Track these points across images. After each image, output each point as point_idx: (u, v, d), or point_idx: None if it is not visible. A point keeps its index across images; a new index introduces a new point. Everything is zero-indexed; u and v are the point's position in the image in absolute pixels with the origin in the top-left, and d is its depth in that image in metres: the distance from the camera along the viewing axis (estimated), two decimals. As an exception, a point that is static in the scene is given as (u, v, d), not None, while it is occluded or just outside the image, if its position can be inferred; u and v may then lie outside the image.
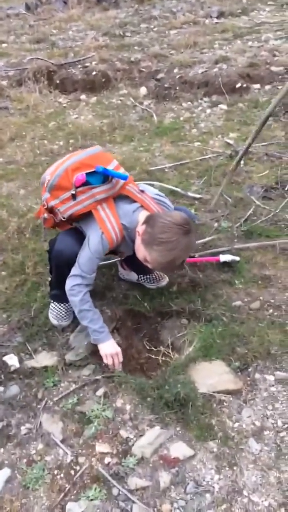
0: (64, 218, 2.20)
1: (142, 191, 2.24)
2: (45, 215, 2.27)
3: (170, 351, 2.26)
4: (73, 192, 2.11)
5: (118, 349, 2.18)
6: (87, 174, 2.09)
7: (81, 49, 6.57)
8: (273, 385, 2.04)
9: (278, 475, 1.73)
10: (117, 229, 2.11)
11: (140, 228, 2.08)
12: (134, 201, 2.19)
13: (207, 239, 2.85)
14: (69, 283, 2.16)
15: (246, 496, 1.68)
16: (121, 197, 2.19)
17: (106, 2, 9.59)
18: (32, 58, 6.24)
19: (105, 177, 2.11)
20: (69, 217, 2.19)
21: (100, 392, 2.10)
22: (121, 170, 2.20)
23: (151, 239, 2.00)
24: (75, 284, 2.15)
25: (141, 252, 2.09)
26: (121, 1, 9.59)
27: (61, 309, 2.43)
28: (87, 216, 2.16)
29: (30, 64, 6.00)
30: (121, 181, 2.16)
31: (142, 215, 2.15)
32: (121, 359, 2.18)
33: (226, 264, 2.67)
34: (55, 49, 6.73)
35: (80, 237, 2.21)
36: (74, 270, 2.15)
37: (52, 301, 2.46)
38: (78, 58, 6.16)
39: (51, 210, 2.24)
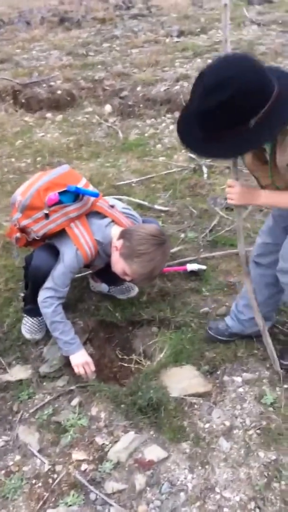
0: (38, 237, 2.26)
1: (112, 206, 2.34)
2: (18, 234, 2.33)
3: (142, 358, 2.34)
4: (46, 212, 2.18)
5: (89, 359, 2.23)
6: (59, 193, 2.17)
7: (45, 68, 6.66)
8: (240, 386, 2.14)
9: (248, 471, 1.82)
10: (91, 244, 2.20)
11: (118, 243, 2.17)
12: (105, 216, 2.28)
13: (174, 249, 2.96)
14: (42, 295, 2.22)
15: (219, 492, 1.76)
16: (92, 213, 2.27)
17: (69, 22, 9.74)
18: (-3, 78, 6.30)
19: (76, 195, 2.20)
20: (43, 235, 2.26)
21: (74, 402, 2.15)
22: (90, 188, 2.29)
23: (130, 252, 2.10)
24: (48, 297, 2.20)
25: (120, 266, 2.17)
26: (83, 21, 9.77)
27: (34, 323, 2.48)
28: (60, 233, 2.23)
29: (-6, 84, 6.05)
30: (92, 198, 2.25)
31: (115, 229, 2.25)
32: (93, 368, 2.23)
33: (193, 273, 2.78)
34: (20, 68, 6.80)
35: (55, 252, 2.27)
36: (48, 283, 2.21)
37: (25, 315, 2.50)
38: (43, 77, 6.25)
39: (23, 230, 2.30)
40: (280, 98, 1.45)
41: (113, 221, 2.29)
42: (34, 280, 2.31)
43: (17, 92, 5.86)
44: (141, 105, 5.31)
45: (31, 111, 5.65)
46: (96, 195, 2.24)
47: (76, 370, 2.21)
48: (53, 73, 6.37)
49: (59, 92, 5.78)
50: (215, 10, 9.06)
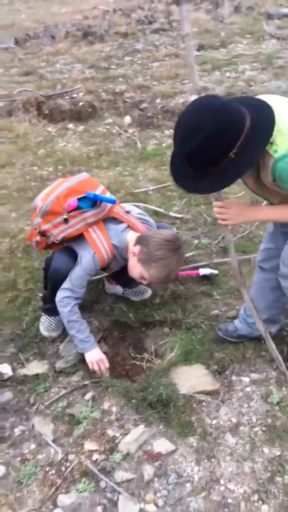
0: (57, 240, 2.39)
1: (128, 212, 2.46)
2: (38, 238, 2.46)
3: (153, 357, 2.43)
4: (66, 217, 2.30)
5: (103, 356, 2.34)
6: (78, 199, 2.29)
7: (68, 81, 6.88)
8: (248, 386, 2.21)
9: (252, 465, 1.89)
10: (108, 248, 2.31)
11: (135, 249, 2.28)
12: (122, 222, 2.40)
13: (188, 254, 3.05)
14: (60, 295, 2.33)
15: (223, 484, 1.83)
16: (109, 218, 2.39)
17: (92, 36, 10.01)
18: (22, 90, 6.53)
19: (94, 201, 2.32)
20: (62, 239, 2.38)
21: (88, 396, 2.25)
22: (107, 194, 2.41)
23: (148, 257, 2.21)
24: (65, 296, 2.32)
25: (138, 270, 2.28)
26: (106, 35, 10.02)
27: (52, 322, 2.59)
28: (78, 237, 2.35)
29: (19, 96, 6.28)
30: (109, 205, 2.37)
31: (130, 234, 2.37)
32: (107, 365, 2.33)
33: (205, 277, 2.87)
34: (44, 81, 7.04)
35: (73, 255, 2.39)
36: (66, 284, 2.33)
37: (44, 314, 2.62)
38: (66, 89, 6.46)
39: (43, 234, 2.43)
40: (253, 128, 1.59)
41: (129, 226, 2.41)
42: (53, 281, 2.43)
43: (41, 104, 6.07)
44: (159, 117, 5.45)
45: (54, 122, 5.84)
46: (113, 202, 2.36)
47: (90, 366, 2.31)
48: (75, 85, 6.58)
49: (81, 103, 5.97)
50: (236, 24, 9.22)
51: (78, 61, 8.11)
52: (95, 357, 2.32)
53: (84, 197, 2.30)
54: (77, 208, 2.30)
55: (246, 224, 2.05)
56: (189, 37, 1.76)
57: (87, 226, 2.33)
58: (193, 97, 1.84)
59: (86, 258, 2.31)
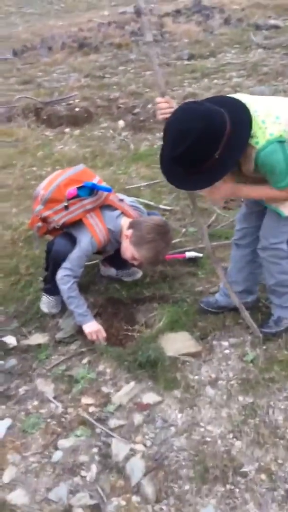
0: (58, 225, 2.66)
1: (121, 200, 2.75)
2: (39, 224, 2.74)
3: (143, 328, 2.70)
4: (66, 204, 2.58)
5: (100, 327, 2.60)
6: (77, 188, 2.57)
7: (65, 88, 7.21)
8: (226, 349, 2.49)
9: (229, 411, 2.15)
10: (104, 232, 2.59)
11: (128, 232, 2.55)
12: (116, 209, 2.68)
13: (176, 240, 3.34)
14: (61, 273, 2.59)
15: (203, 427, 2.10)
16: (105, 206, 2.67)
17: (87, 47, 10.38)
18: (21, 97, 6.86)
19: (92, 190, 2.60)
20: (62, 224, 2.65)
21: (85, 360, 2.52)
22: (103, 184, 2.70)
23: (139, 239, 2.49)
24: (65, 275, 2.58)
25: (130, 252, 2.56)
26: (101, 46, 10.39)
27: (52, 300, 2.86)
28: (77, 223, 2.63)
29: (18, 102, 6.61)
30: (105, 193, 2.65)
31: (124, 220, 2.65)
32: (104, 334, 2.59)
33: (191, 260, 3.16)
34: (42, 89, 7.37)
35: (73, 240, 2.65)
36: (65, 264, 2.58)
37: (44, 294, 2.88)
38: (63, 96, 6.79)
39: (44, 220, 2.70)
40: (233, 129, 1.84)
41: (122, 212, 2.69)
42: (54, 263, 2.69)
43: (39, 110, 6.40)
44: (151, 121, 5.77)
45: (52, 127, 6.16)
46: (109, 190, 2.64)
47: (89, 337, 2.57)
48: (72, 93, 6.91)
49: (77, 109, 6.30)
50: (225, 35, 9.60)
51: (74, 71, 8.46)
52: (93, 328, 2.57)
53: (82, 186, 2.57)
54: (77, 196, 2.57)
55: (229, 197, 2.28)
56: (151, 45, 2.00)
57: (85, 212, 2.60)
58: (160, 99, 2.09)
59: (85, 241, 2.58)
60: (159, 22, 11.91)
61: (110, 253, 2.85)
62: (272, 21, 10.01)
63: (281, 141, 1.88)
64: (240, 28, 9.95)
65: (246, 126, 1.87)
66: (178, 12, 12.67)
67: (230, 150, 1.85)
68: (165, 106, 1.98)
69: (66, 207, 2.58)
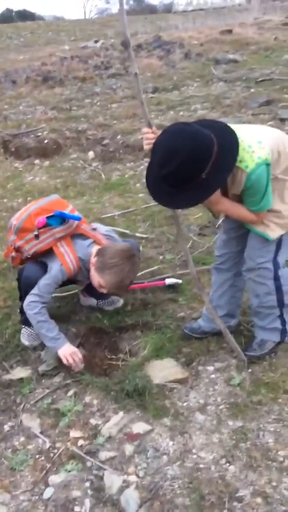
0: (29, 255, 2.66)
1: (94, 229, 2.76)
2: (13, 254, 2.74)
3: (128, 356, 2.69)
4: (36, 233, 2.59)
5: (75, 349, 2.56)
6: (47, 217, 2.59)
7: (32, 121, 7.28)
8: (212, 373, 2.50)
9: (219, 436, 2.16)
10: (73, 261, 2.59)
11: (93, 260, 2.56)
12: (88, 238, 2.69)
13: (154, 268, 3.38)
14: (28, 299, 2.56)
15: (195, 453, 2.09)
16: (77, 235, 2.69)
17: (52, 81, 10.55)
18: (-13, 130, 6.88)
19: (63, 219, 2.61)
20: (34, 253, 2.65)
21: (70, 392, 2.48)
22: (76, 213, 2.72)
23: (103, 265, 2.48)
24: (32, 301, 2.55)
25: (96, 278, 2.55)
26: (65, 80, 10.59)
27: (32, 332, 2.81)
28: (48, 252, 2.63)
29: (-15, 135, 6.62)
30: (76, 222, 2.67)
31: (95, 249, 2.65)
32: (80, 356, 2.54)
33: (171, 286, 3.19)
34: (9, 121, 7.41)
35: (43, 266, 2.65)
36: (34, 290, 2.56)
37: (23, 326, 2.84)
38: (31, 129, 6.84)
39: (18, 250, 2.70)
40: (220, 151, 1.91)
41: (94, 241, 2.70)
42: (25, 289, 2.67)
43: (7, 142, 6.41)
44: (121, 151, 5.89)
45: (20, 158, 6.18)
46: (78, 219, 2.66)
47: (65, 360, 2.50)
48: (40, 125, 6.97)
49: (46, 141, 6.35)
50: (186, 69, 9.98)
51: (40, 103, 8.56)
52: (68, 350, 2.52)
53: (52, 216, 2.59)
54: (46, 225, 2.59)
55: (208, 206, 2.31)
56: (138, 77, 2.02)
57: (55, 241, 2.60)
58: (146, 129, 2.15)
59: (55, 268, 2.57)
60: (121, 56, 12.28)
61: (85, 283, 2.85)
62: (231, 56, 10.49)
63: (267, 164, 1.97)
64: (200, 62, 10.38)
65: (233, 148, 1.94)
66: (139, 46, 13.10)
67: (217, 170, 1.91)
68: (152, 136, 2.03)
69: (37, 236, 2.59)
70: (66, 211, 2.66)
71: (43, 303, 2.56)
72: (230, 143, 1.94)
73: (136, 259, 2.55)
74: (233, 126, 2.05)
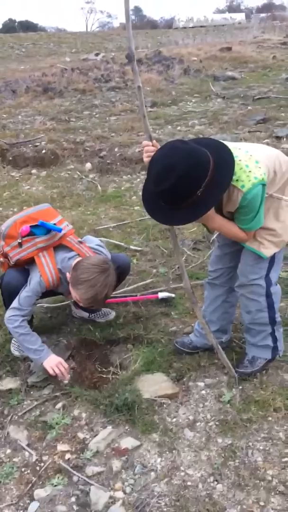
0: (13, 262, 2.62)
1: (81, 242, 2.71)
2: (1, 259, 2.73)
3: (118, 370, 2.67)
4: (19, 241, 2.57)
5: (60, 359, 2.52)
6: (32, 226, 2.57)
7: (30, 131, 7.31)
8: (203, 389, 2.49)
9: (208, 453, 2.14)
10: (53, 272, 2.56)
11: (68, 274, 2.51)
12: (72, 250, 2.66)
13: (147, 281, 3.38)
14: (8, 313, 2.54)
15: (183, 470, 2.07)
16: (61, 246, 2.66)
17: (52, 92, 10.63)
18: (-14, 138, 6.90)
19: (48, 230, 2.60)
20: (17, 261, 2.61)
21: (59, 405, 2.45)
22: (64, 224, 2.70)
23: (74, 280, 2.43)
24: (13, 315, 2.52)
25: (72, 293, 2.49)
26: (65, 91, 10.68)
27: (23, 342, 2.80)
28: (32, 261, 2.61)
29: (-17, 143, 6.63)
30: (61, 234, 2.63)
31: (75, 262, 2.57)
32: (66, 365, 2.52)
33: (163, 300, 3.19)
34: (7, 131, 7.44)
35: (24, 272, 2.63)
36: (14, 303, 2.53)
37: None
38: (29, 138, 6.86)
39: (5, 256, 2.68)
40: (216, 170, 1.92)
41: (78, 255, 2.65)
42: (6, 294, 2.67)
43: (5, 151, 6.43)
44: (118, 163, 5.92)
45: (18, 168, 6.20)
46: (59, 230, 2.62)
47: (51, 371, 2.47)
48: (38, 135, 7.00)
49: (43, 151, 6.38)
50: (185, 85, 10.10)
51: (39, 114, 8.61)
52: (54, 361, 2.49)
53: (37, 225, 2.58)
54: (30, 234, 2.57)
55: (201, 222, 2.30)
56: (141, 90, 2.03)
57: (38, 250, 2.58)
58: (146, 142, 2.17)
59: (34, 280, 2.55)
60: (121, 70, 12.41)
61: (67, 295, 2.78)
62: (229, 73, 10.64)
63: (263, 184, 1.98)
64: (199, 79, 10.51)
65: (229, 167, 1.95)
66: (139, 61, 13.24)
67: (213, 188, 1.91)
68: (152, 149, 2.03)
69: (20, 244, 2.58)
70: (54, 221, 2.63)
71: (23, 316, 2.53)
72: (226, 162, 1.95)
73: (109, 273, 2.44)
74: (230, 145, 2.07)
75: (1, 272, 2.86)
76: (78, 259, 2.59)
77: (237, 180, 1.98)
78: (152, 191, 1.96)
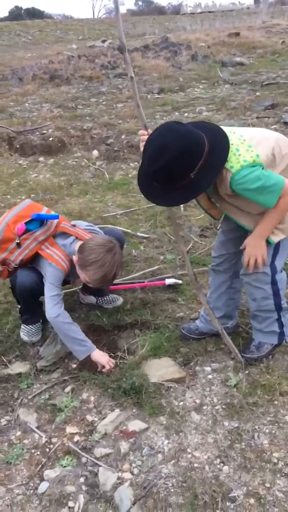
0: (16, 265, 2.61)
1: (74, 225, 2.73)
2: (0, 268, 2.67)
3: (126, 355, 2.70)
4: (18, 241, 2.56)
5: (105, 354, 2.58)
6: (26, 223, 2.57)
7: (37, 118, 7.30)
8: (209, 374, 2.52)
9: (215, 436, 2.17)
10: (63, 257, 2.58)
11: (75, 257, 2.53)
12: (70, 235, 2.67)
13: (155, 267, 3.40)
14: (49, 314, 2.51)
15: (190, 452, 2.10)
16: (58, 234, 2.67)
17: (59, 79, 10.58)
18: (-7, 126, 6.90)
19: (41, 222, 2.61)
20: (20, 262, 2.61)
21: (68, 389, 2.49)
22: (52, 213, 2.71)
23: (83, 262, 2.45)
24: (54, 317, 2.51)
25: (81, 275, 2.52)
26: (72, 78, 10.62)
27: (32, 328, 2.83)
28: (36, 258, 2.62)
29: (-9, 131, 6.64)
30: (55, 222, 2.65)
31: (78, 245, 2.59)
32: (112, 363, 2.55)
33: (171, 286, 3.20)
34: (14, 119, 7.43)
35: (35, 270, 2.63)
36: (47, 303, 2.52)
37: (23, 324, 2.85)
38: (36, 126, 6.85)
39: (3, 262, 2.65)
40: (211, 152, 1.93)
41: (77, 238, 2.66)
42: (22, 295, 2.68)
43: (12, 139, 6.43)
44: (125, 151, 5.90)
45: (25, 156, 6.20)
46: (56, 217, 2.65)
47: (107, 366, 2.51)
48: (45, 122, 6.99)
49: (51, 139, 6.37)
50: (193, 71, 9.99)
51: (46, 101, 8.58)
52: (105, 357, 2.54)
53: (30, 220, 2.58)
54: (26, 231, 2.57)
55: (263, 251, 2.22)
56: (134, 80, 2.07)
57: (39, 244, 2.59)
58: (142, 132, 2.18)
59: (50, 272, 2.54)
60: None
61: (78, 282, 2.81)
62: (238, 59, 10.51)
63: (253, 166, 1.98)
64: (206, 65, 10.39)
65: (223, 150, 1.96)
66: (146, 47, 13.13)
67: (206, 171, 1.93)
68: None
69: (18, 244, 2.57)
70: (42, 212, 2.65)
71: (60, 302, 2.54)
72: (221, 145, 1.96)
73: (116, 251, 2.45)
74: (226, 129, 2.07)
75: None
76: (79, 242, 2.61)
77: (227, 161, 1.98)
78: (146, 171, 1.98)
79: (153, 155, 1.90)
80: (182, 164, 1.89)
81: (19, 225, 2.55)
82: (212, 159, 1.93)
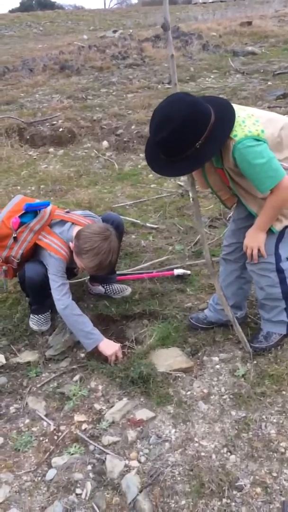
0: (18, 260, 2.63)
1: (68, 212, 2.75)
2: (4, 267, 2.70)
3: (134, 344, 2.71)
4: (15, 235, 2.58)
5: (117, 345, 2.58)
6: (19, 216, 2.59)
7: (48, 109, 7.29)
8: (217, 364, 2.51)
9: (222, 425, 2.17)
10: (62, 245, 2.59)
11: (72, 244, 2.55)
12: (66, 221, 2.68)
13: (163, 258, 3.39)
14: (59, 305, 2.56)
15: (197, 441, 2.11)
16: (54, 223, 2.68)
17: (69, 70, 10.55)
18: (3, 117, 6.90)
19: (35, 213, 2.63)
20: (22, 256, 2.63)
21: (76, 377, 2.51)
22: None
23: (78, 250, 2.47)
24: (62, 308, 2.55)
25: (77, 262, 2.54)
26: (82, 69, 10.58)
27: (41, 318, 2.85)
28: (36, 250, 2.63)
29: (1, 122, 6.64)
30: (48, 210, 2.66)
31: (75, 230, 2.60)
32: (120, 355, 2.56)
33: (179, 277, 3.20)
34: (24, 109, 7.43)
35: (41, 262, 2.64)
36: (55, 295, 2.56)
37: (32, 314, 2.87)
38: (46, 117, 6.85)
39: (6, 260, 2.68)
40: (216, 124, 1.93)
41: (73, 223, 2.67)
42: (31, 288, 2.70)
43: (22, 130, 6.44)
44: (135, 141, 5.88)
45: (35, 147, 6.21)
46: (47, 204, 2.67)
47: (113, 357, 2.52)
48: (55, 113, 6.98)
49: (60, 130, 6.36)
50: (204, 60, 9.89)
51: (56, 92, 8.56)
52: (115, 346, 2.55)
53: (24, 213, 2.60)
54: (21, 223, 2.59)
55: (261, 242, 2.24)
56: (173, 58, 2.03)
57: (36, 234, 2.60)
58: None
59: (51, 263, 2.57)
60: (139, 46, 12.21)
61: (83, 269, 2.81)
62: (249, 48, 10.38)
63: (257, 139, 1.96)
64: (218, 54, 10.28)
65: (229, 122, 1.95)
66: (157, 37, 13.02)
67: (211, 142, 1.92)
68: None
69: (15, 238, 2.59)
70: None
71: (68, 298, 2.57)
72: (227, 118, 1.96)
73: (111, 239, 2.46)
74: (236, 106, 2.06)
75: (3, 280, 2.89)
76: (76, 227, 2.62)
77: (232, 131, 1.97)
78: (152, 141, 1.98)
79: (158, 125, 1.90)
80: (186, 135, 1.89)
81: (13, 219, 2.58)
82: (217, 131, 1.93)
